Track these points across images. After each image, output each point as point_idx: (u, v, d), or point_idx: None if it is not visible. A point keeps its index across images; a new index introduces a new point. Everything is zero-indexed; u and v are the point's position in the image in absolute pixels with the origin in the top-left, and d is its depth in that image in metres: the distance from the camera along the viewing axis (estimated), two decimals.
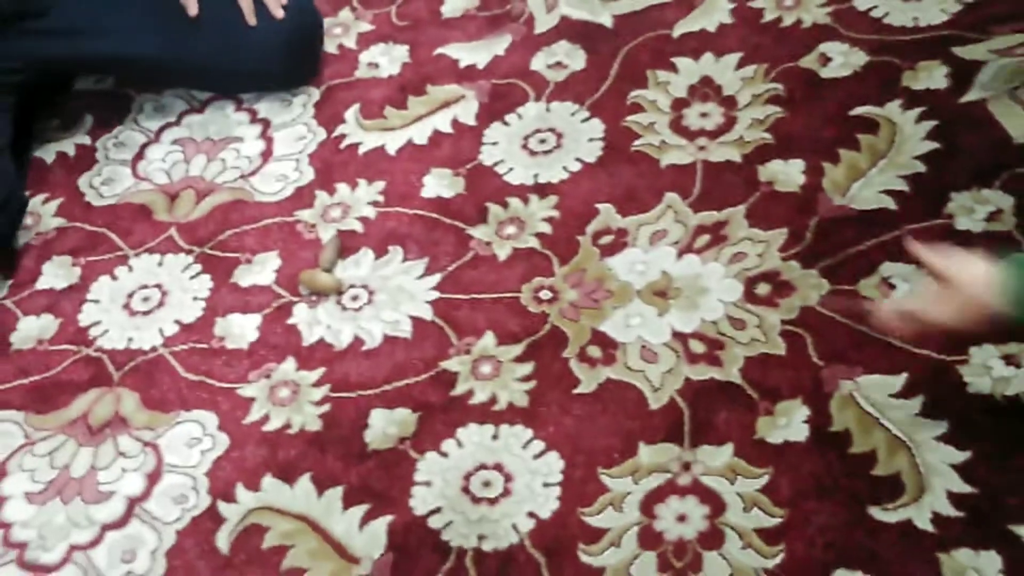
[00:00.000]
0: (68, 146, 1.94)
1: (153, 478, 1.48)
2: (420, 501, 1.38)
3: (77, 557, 1.43)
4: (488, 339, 1.52)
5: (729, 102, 1.71)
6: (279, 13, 1.83)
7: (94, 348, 1.63)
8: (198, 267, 1.70)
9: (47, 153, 1.93)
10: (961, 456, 1.29)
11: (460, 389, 1.48)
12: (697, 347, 1.45)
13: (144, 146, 1.91)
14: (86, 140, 1.94)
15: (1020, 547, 1.21)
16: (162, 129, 1.93)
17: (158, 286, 1.69)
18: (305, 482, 1.43)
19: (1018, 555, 1.20)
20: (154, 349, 1.61)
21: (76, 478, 1.50)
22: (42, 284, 1.74)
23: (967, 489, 1.26)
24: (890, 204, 1.52)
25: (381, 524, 1.37)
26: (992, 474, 1.27)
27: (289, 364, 1.56)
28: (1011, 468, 1.27)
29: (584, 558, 1.30)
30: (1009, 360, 1.34)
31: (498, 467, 1.40)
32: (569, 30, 1.90)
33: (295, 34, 1.87)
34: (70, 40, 1.82)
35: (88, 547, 1.43)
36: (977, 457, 1.28)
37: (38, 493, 1.49)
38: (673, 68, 1.79)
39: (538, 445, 1.40)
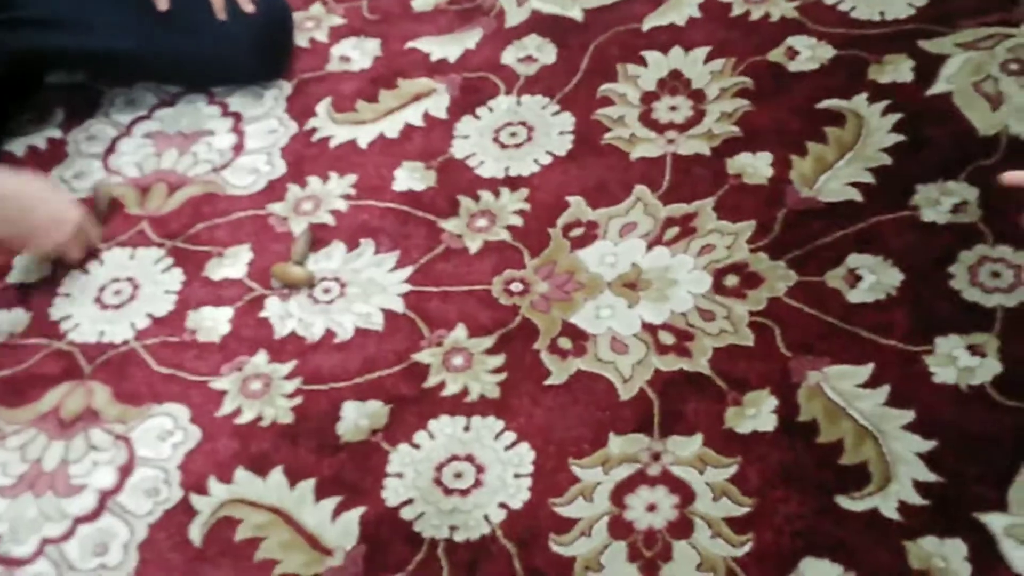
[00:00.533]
0: (39, 139, 1.93)
1: (125, 471, 1.48)
2: (392, 492, 1.39)
3: (49, 550, 1.42)
4: (460, 331, 1.53)
5: (698, 95, 1.73)
6: (249, 8, 1.83)
7: (65, 342, 1.63)
8: (170, 260, 1.70)
9: (18, 147, 1.93)
10: (927, 445, 1.30)
11: (432, 381, 1.48)
12: (667, 338, 1.46)
13: (115, 140, 1.91)
14: (57, 134, 1.94)
15: (985, 534, 1.23)
16: (133, 123, 1.93)
17: (130, 280, 1.69)
18: (277, 474, 1.43)
19: (983, 542, 1.22)
20: (126, 343, 1.61)
21: (48, 472, 1.49)
22: (13, 278, 1.73)
23: (932, 478, 1.28)
24: (857, 196, 1.54)
25: (353, 516, 1.38)
26: (957, 463, 1.28)
27: (261, 357, 1.56)
28: (976, 457, 1.28)
29: (555, 548, 1.31)
30: (974, 350, 1.36)
31: (470, 458, 1.40)
32: (539, 24, 1.91)
33: (265, 28, 1.87)
34: (40, 32, 1.81)
35: (60, 540, 1.43)
36: (943, 446, 1.30)
37: (9, 487, 1.49)
38: (642, 62, 1.80)
39: (509, 436, 1.41)
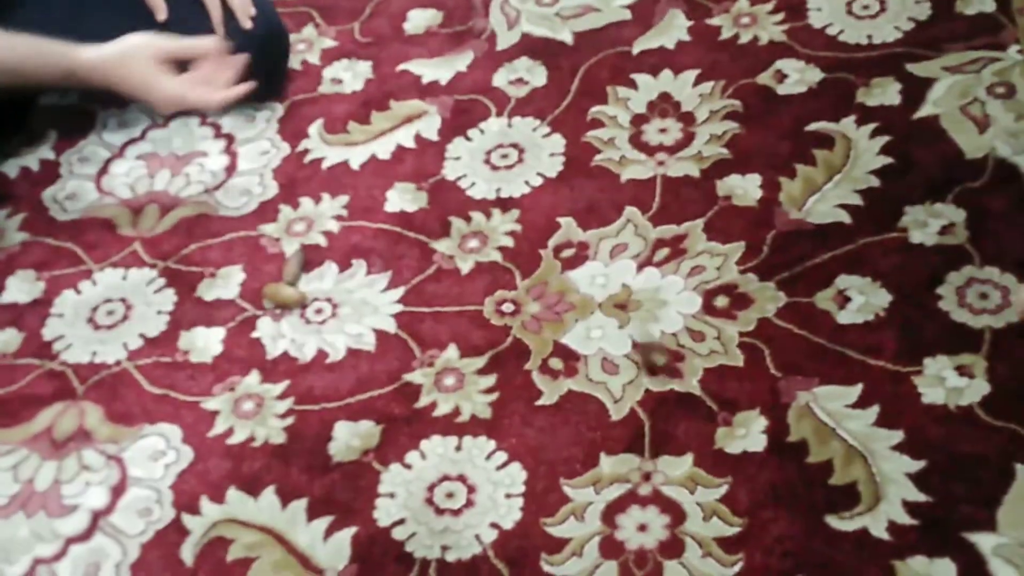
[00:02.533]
0: (32, 161, 1.93)
1: (117, 491, 1.48)
2: (384, 513, 1.39)
3: (41, 571, 1.42)
4: (451, 352, 1.53)
5: (687, 118, 1.74)
6: (247, 24, 1.84)
7: (58, 362, 1.63)
8: (162, 281, 1.70)
9: (10, 168, 1.92)
10: (916, 465, 1.31)
11: (423, 401, 1.49)
12: (657, 359, 1.47)
13: (108, 161, 1.91)
14: (50, 155, 1.94)
15: (973, 554, 1.23)
16: (126, 144, 1.93)
17: (122, 300, 1.69)
18: (269, 494, 1.43)
19: (972, 562, 1.23)
20: (118, 363, 1.61)
21: (40, 492, 1.49)
22: (6, 298, 1.73)
23: (922, 498, 1.28)
24: (845, 218, 1.55)
25: (345, 536, 1.38)
26: (946, 483, 1.29)
27: (253, 377, 1.56)
28: (964, 477, 1.29)
29: (547, 567, 1.31)
30: (962, 371, 1.37)
31: (461, 478, 1.41)
32: (530, 47, 1.92)
33: (264, 45, 1.87)
34: None
35: (52, 561, 1.43)
36: (932, 466, 1.30)
37: (1, 507, 1.49)
38: (632, 84, 1.81)
39: (501, 456, 1.42)
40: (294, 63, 1.99)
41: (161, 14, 1.82)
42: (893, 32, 1.77)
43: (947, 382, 1.37)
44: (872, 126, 1.65)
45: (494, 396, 1.47)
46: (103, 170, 1.89)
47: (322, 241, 1.70)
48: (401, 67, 1.94)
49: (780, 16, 1.85)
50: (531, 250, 1.62)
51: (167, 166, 1.87)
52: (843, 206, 1.57)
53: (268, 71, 1.91)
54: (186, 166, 1.86)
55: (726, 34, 1.85)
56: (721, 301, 1.51)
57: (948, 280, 1.46)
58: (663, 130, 1.73)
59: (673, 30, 1.87)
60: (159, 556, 1.40)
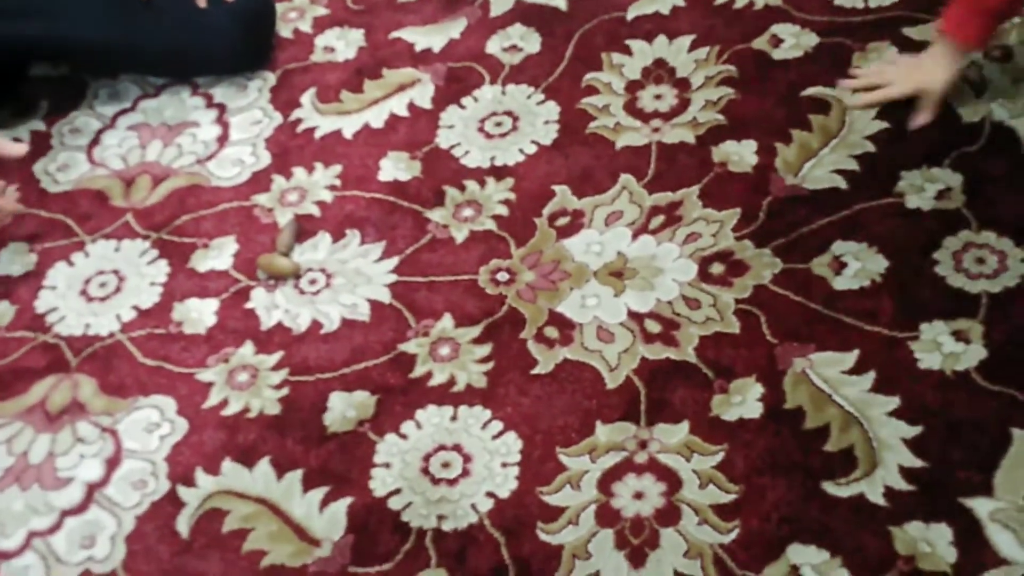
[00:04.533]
0: (23, 132, 1.92)
1: (112, 464, 1.47)
2: (380, 483, 1.39)
3: (36, 543, 1.42)
4: (446, 321, 1.53)
5: (683, 84, 1.73)
6: None
7: (51, 334, 1.63)
8: (155, 252, 1.70)
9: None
10: (912, 431, 1.31)
11: (419, 371, 1.48)
12: (653, 327, 1.46)
13: (100, 132, 1.90)
14: (41, 126, 1.93)
15: (970, 519, 1.23)
16: (117, 115, 1.92)
17: (115, 272, 1.69)
18: (264, 465, 1.43)
19: (968, 526, 1.23)
20: (112, 335, 1.61)
21: (34, 464, 1.49)
22: None
23: (918, 463, 1.28)
24: (841, 183, 1.55)
25: (341, 506, 1.38)
26: (943, 448, 1.29)
27: (247, 348, 1.56)
28: (961, 442, 1.29)
29: (543, 536, 1.31)
30: (959, 336, 1.37)
31: (457, 448, 1.41)
32: (524, 13, 1.91)
33: (246, 16, 1.87)
34: (14, 21, 1.80)
35: (47, 533, 1.43)
36: (928, 432, 1.30)
37: None
38: (627, 50, 1.80)
39: (496, 426, 1.41)
40: (285, 31, 1.98)
41: None
42: None
43: (944, 347, 1.36)
44: None
45: (489, 365, 1.47)
46: (95, 141, 1.89)
47: (315, 211, 1.70)
48: (394, 35, 1.93)
49: None
50: (526, 218, 1.62)
51: (159, 136, 1.86)
52: (839, 172, 1.56)
53: (254, 40, 1.91)
54: (178, 136, 1.86)
55: None
56: (717, 268, 1.50)
57: (945, 245, 1.45)
58: (658, 96, 1.72)
59: None
60: (154, 528, 1.40)
